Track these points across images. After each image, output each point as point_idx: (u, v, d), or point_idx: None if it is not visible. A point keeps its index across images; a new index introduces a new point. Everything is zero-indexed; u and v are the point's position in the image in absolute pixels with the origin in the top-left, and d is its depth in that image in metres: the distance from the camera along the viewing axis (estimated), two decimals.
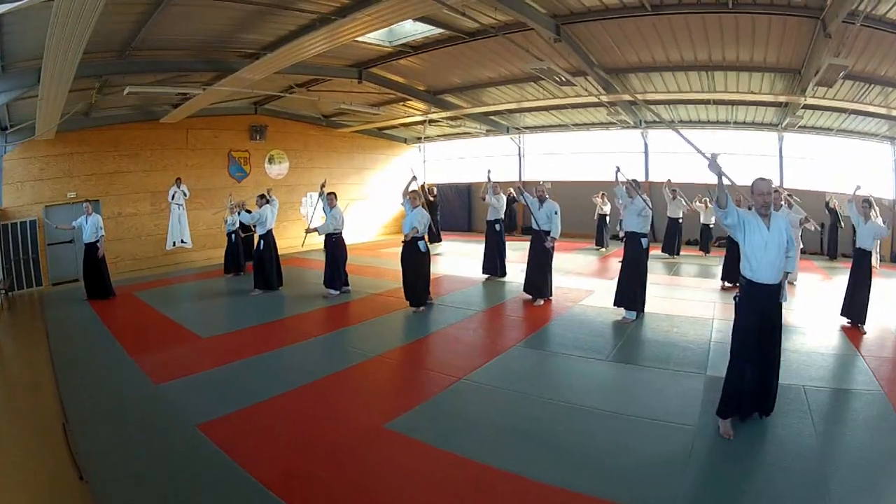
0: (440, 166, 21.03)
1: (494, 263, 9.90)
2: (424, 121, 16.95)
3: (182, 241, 13.17)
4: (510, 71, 12.50)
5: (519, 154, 19.19)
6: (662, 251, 12.68)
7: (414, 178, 8.30)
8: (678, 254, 12.67)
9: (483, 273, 9.95)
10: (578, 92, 13.31)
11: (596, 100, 14.14)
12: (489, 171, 9.91)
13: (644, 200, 6.92)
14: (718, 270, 9.77)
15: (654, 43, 9.59)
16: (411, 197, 7.80)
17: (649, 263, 7.21)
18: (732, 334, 3.95)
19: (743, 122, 14.84)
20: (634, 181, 7.20)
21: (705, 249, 13.09)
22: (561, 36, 9.08)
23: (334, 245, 8.89)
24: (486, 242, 10.09)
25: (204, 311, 8.36)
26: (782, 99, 11.49)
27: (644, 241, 6.94)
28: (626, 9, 8.31)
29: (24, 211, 10.85)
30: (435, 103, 14.63)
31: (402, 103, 14.84)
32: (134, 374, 5.36)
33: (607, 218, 14.59)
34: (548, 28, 8.65)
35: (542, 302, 7.91)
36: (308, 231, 8.99)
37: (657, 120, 16.07)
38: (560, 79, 10.36)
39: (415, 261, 7.57)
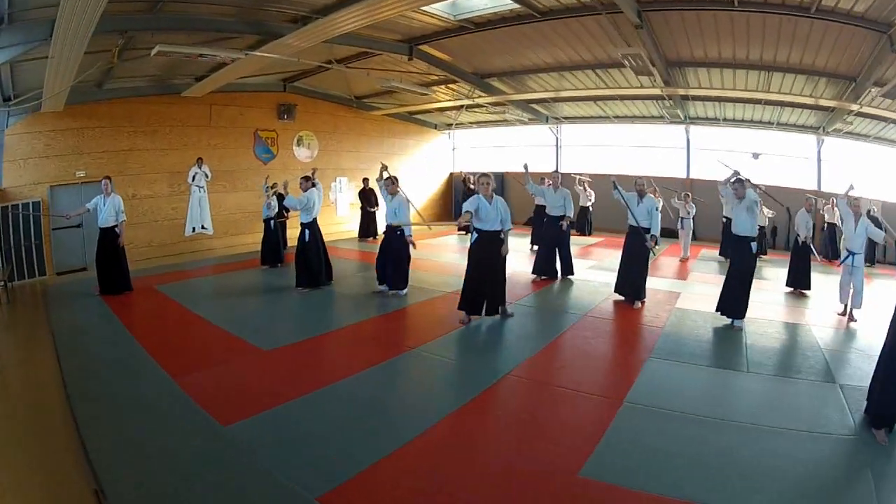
0: (470, 155, 19.62)
1: (552, 264, 8.78)
2: (461, 106, 15.62)
3: (202, 227, 11.81)
4: (568, 56, 11.30)
5: (556, 144, 17.81)
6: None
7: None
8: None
9: (533, 273, 8.81)
10: (631, 83, 12.20)
11: (649, 92, 13.02)
12: (525, 164, 9.36)
13: (754, 199, 6.14)
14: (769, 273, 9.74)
15: (724, 38, 9.09)
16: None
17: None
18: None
19: (785, 124, 14.10)
20: (738, 175, 6.47)
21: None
22: (642, 22, 8.18)
23: (399, 240, 7.52)
24: (542, 239, 9.14)
25: (250, 312, 6.93)
26: (833, 104, 11.04)
27: (754, 245, 6.32)
28: (715, 0, 7.80)
29: (26, 191, 9.44)
30: (480, 87, 13.22)
31: (446, 85, 13.39)
32: (185, 408, 3.98)
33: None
34: (632, 12, 7.78)
35: (639, 304, 7.17)
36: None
37: (703, 117, 15.01)
38: (643, 67, 9.23)
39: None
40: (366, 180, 12.93)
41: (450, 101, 14.78)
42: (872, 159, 13.81)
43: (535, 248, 12.12)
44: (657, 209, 7.22)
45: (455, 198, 19.31)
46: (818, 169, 14.55)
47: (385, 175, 7.78)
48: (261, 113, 13.11)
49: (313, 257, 7.86)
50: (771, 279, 9.27)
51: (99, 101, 10.37)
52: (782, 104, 12.54)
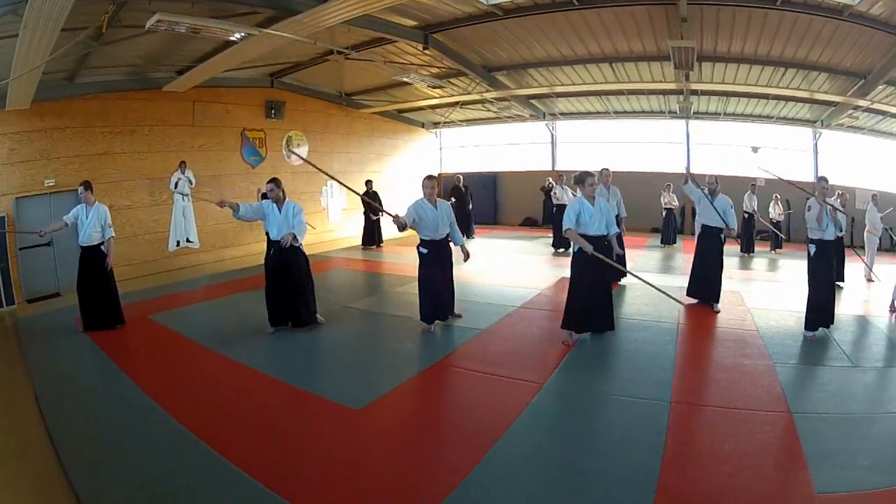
0: (457, 154, 18.77)
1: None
2: (455, 103, 14.77)
3: (188, 241, 10.51)
4: (589, 49, 10.72)
5: (552, 142, 17.20)
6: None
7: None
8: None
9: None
10: (643, 77, 11.97)
11: (663, 87, 12.68)
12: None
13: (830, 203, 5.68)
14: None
15: (751, 35, 8.90)
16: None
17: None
18: None
19: (784, 118, 14.11)
20: (824, 180, 5.79)
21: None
22: (686, 17, 7.77)
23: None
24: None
25: (293, 351, 5.45)
26: (839, 99, 11.03)
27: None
28: None
29: None
30: (487, 81, 12.38)
31: (447, 79, 12.48)
32: None
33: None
34: (684, 4, 7.43)
35: (718, 307, 6.62)
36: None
37: (706, 111, 14.79)
38: (686, 60, 8.73)
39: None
40: (369, 183, 11.86)
41: (445, 97, 13.87)
42: (868, 150, 14.05)
43: (561, 250, 11.52)
44: (731, 206, 6.65)
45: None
46: (815, 161, 14.67)
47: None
48: (248, 111, 11.84)
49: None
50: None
51: (70, 98, 8.94)
52: (787, 99, 12.39)
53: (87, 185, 6.20)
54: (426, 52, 10.23)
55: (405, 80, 10.93)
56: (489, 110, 15.75)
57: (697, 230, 7.01)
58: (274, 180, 5.97)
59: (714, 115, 14.91)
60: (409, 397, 4.38)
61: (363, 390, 4.31)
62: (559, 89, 13.29)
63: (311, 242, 10.14)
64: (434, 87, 11.52)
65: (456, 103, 15.08)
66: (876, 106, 11.07)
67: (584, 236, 5.04)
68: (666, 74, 11.79)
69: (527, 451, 3.39)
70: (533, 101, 15.09)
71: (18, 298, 8.00)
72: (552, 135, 17.07)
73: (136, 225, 9.79)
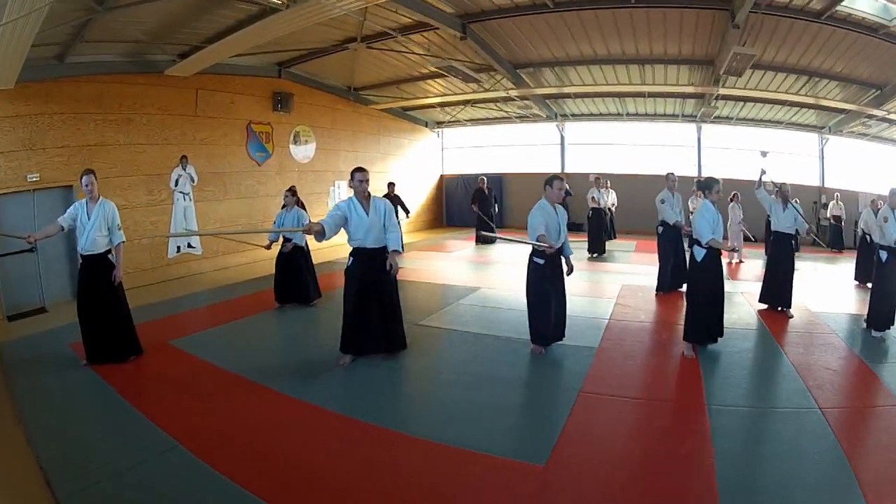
0: (460, 155, 17.88)
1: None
2: (467, 101, 13.93)
3: (189, 246, 9.32)
4: (623, 49, 10.24)
5: (561, 143, 16.49)
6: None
7: None
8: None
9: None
10: (669, 80, 11.61)
11: (690, 90, 12.22)
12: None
13: None
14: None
15: (788, 44, 8.83)
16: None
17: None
18: None
19: (792, 123, 14.04)
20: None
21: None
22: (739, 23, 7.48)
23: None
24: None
25: (392, 389, 4.51)
26: (853, 107, 11.05)
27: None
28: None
29: None
30: (512, 77, 11.55)
31: (481, 73, 11.60)
32: None
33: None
34: (744, 12, 7.18)
35: (791, 312, 6.43)
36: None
37: (720, 116, 14.40)
38: (741, 67, 8.43)
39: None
40: (391, 185, 10.87)
41: (457, 94, 13.02)
42: (873, 156, 14.12)
43: (595, 255, 10.76)
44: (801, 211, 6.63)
45: (446, 202, 17.52)
46: (821, 166, 14.62)
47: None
48: (254, 102, 10.68)
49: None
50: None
51: (59, 80, 7.66)
52: (799, 105, 12.38)
53: (92, 173, 4.91)
54: (463, 40, 9.32)
55: (441, 71, 9.96)
56: (500, 110, 14.97)
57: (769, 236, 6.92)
58: (361, 170, 4.85)
59: (727, 120, 14.68)
60: (587, 441, 3.51)
61: (528, 438, 3.55)
62: (580, 89, 12.69)
63: (321, 247, 9.09)
64: (468, 82, 10.56)
65: (467, 101, 14.25)
66: (893, 116, 11.08)
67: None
68: (692, 78, 11.43)
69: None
70: (548, 102, 14.39)
71: None
72: (562, 136, 16.36)
73: (133, 228, 8.51)
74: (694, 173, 15.20)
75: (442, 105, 14.65)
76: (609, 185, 12.00)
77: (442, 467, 3.14)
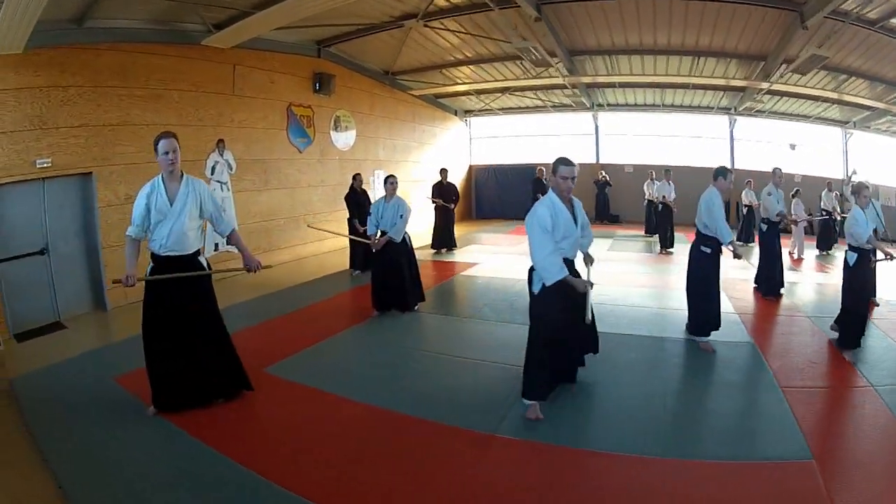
0: (487, 144, 16.06)
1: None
2: (506, 88, 12.10)
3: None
4: (682, 41, 8.91)
5: (595, 133, 14.73)
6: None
7: None
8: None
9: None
10: (716, 73, 10.26)
11: (736, 83, 10.76)
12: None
13: None
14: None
15: (837, 44, 7.78)
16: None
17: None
18: None
19: (818, 118, 12.77)
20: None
21: None
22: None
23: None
24: None
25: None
26: (882, 105, 10.09)
27: None
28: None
29: None
30: (566, 64, 9.76)
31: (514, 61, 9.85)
32: None
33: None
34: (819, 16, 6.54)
35: (877, 300, 5.64)
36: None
37: (752, 109, 12.78)
38: (808, 66, 7.89)
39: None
40: (444, 171, 9.07)
41: (499, 81, 11.28)
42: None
43: (670, 250, 9.41)
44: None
45: (476, 194, 15.73)
46: (845, 160, 13.28)
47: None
48: (294, 82, 8.76)
49: None
50: None
51: (76, 46, 5.75)
52: (832, 101, 11.15)
53: (173, 137, 3.11)
54: (538, 21, 7.52)
55: (518, 52, 8.21)
56: (538, 98, 13.16)
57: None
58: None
59: (759, 113, 13.19)
60: (835, 434, 2.96)
61: (778, 439, 2.83)
62: (628, 79, 11.10)
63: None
64: (540, 66, 8.76)
65: (506, 89, 12.42)
66: None
67: None
68: (738, 72, 10.10)
69: None
70: (588, 91, 12.63)
71: (3, 334, 4.89)
72: (596, 126, 14.58)
73: None
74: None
75: (479, 92, 12.79)
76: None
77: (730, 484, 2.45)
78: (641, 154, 14.19)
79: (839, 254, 9.31)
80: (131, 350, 3.59)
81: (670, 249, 9.39)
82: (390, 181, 5.42)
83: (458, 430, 3.02)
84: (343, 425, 3.15)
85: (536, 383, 3.16)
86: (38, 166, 5.48)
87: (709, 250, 4.31)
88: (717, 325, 4.38)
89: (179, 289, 3.11)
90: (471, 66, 10.82)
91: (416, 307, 5.53)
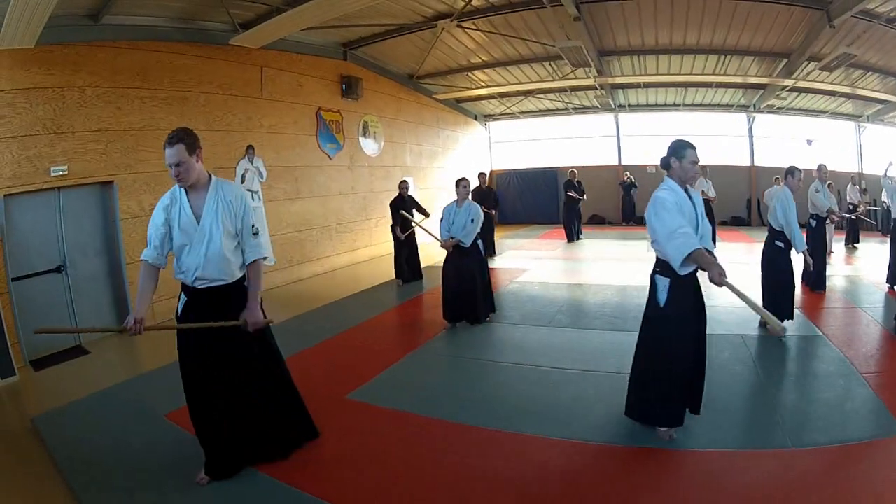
0: (506, 149, 15.22)
1: None
2: (528, 91, 11.30)
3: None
4: (710, 40, 8.20)
5: (617, 134, 13.89)
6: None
7: None
8: None
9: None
10: (740, 72, 9.64)
11: (757, 81, 10.15)
12: None
13: None
14: None
15: (857, 42, 7.45)
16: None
17: None
18: None
19: (833, 112, 12.04)
20: None
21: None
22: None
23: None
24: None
25: None
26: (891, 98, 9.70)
27: None
28: None
29: None
30: (596, 65, 8.96)
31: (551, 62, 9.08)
32: None
33: None
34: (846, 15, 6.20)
35: None
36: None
37: (770, 105, 11.95)
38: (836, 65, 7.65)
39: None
40: (483, 176, 8.24)
41: (524, 83, 10.51)
42: None
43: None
44: None
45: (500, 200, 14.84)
46: (859, 153, 12.62)
47: None
48: (322, 86, 7.96)
49: None
50: None
51: (93, 44, 4.97)
52: (847, 96, 10.54)
53: (179, 141, 2.23)
54: (577, 21, 6.74)
55: (561, 53, 7.47)
56: (560, 100, 12.36)
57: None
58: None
59: (777, 110, 12.38)
60: None
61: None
62: (654, 79, 10.37)
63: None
64: (578, 67, 7.99)
65: (529, 92, 11.62)
66: None
67: None
68: (760, 69, 9.45)
69: None
70: (612, 92, 11.82)
71: (18, 362, 4.04)
72: (617, 127, 13.75)
73: None
74: (746, 163, 13.05)
75: (502, 95, 11.99)
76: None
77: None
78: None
79: (863, 246, 8.76)
80: (173, 379, 2.75)
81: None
82: (462, 184, 4.65)
83: (602, 447, 2.57)
84: (459, 453, 2.53)
85: (676, 411, 2.57)
86: (52, 174, 4.68)
87: (782, 245, 4.26)
88: (789, 314, 4.20)
89: (215, 337, 2.25)
90: (497, 69, 10.05)
91: (487, 318, 4.74)
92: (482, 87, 10.95)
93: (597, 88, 10.43)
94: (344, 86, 8.34)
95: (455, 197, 4.70)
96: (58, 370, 4.14)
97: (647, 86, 11.26)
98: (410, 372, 3.68)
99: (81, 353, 4.53)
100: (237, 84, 6.43)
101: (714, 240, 8.53)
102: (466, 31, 7.76)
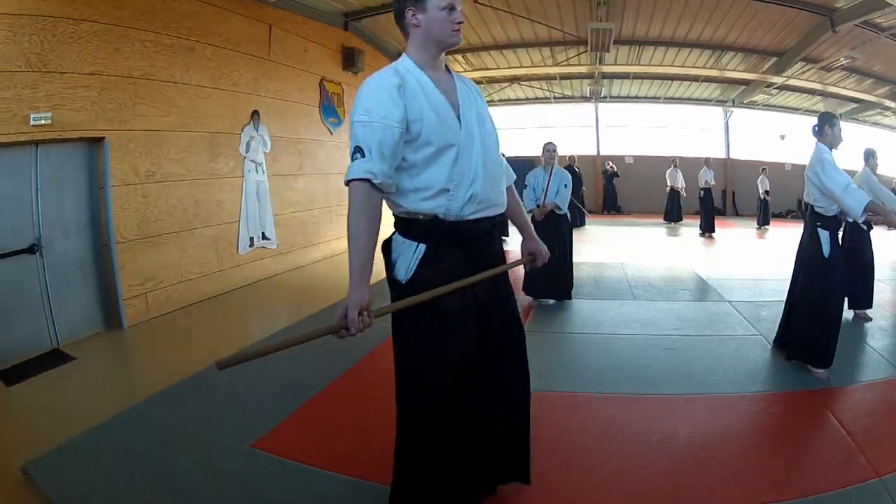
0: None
1: None
2: (513, 77, 11.16)
3: (264, 238, 5.83)
4: (711, 34, 8.49)
5: (596, 125, 14.05)
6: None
7: None
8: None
9: None
10: (736, 67, 10.00)
11: (747, 76, 10.64)
12: None
13: None
14: None
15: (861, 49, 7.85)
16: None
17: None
18: None
19: (810, 110, 12.41)
20: None
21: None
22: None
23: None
24: None
25: None
26: (867, 97, 10.41)
27: None
28: None
29: None
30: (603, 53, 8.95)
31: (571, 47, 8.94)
32: None
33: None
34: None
35: None
36: None
37: (750, 101, 12.67)
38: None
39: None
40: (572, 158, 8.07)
41: (514, 68, 10.36)
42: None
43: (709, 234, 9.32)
44: None
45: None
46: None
47: None
48: (325, 55, 7.18)
49: None
50: None
51: None
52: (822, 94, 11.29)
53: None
54: (601, 6, 6.61)
55: (598, 30, 7.29)
56: (542, 89, 12.34)
57: None
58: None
59: (754, 105, 13.04)
60: None
61: None
62: (647, 69, 10.60)
63: None
64: (598, 50, 7.83)
65: (516, 78, 11.46)
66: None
67: None
68: (752, 66, 9.91)
69: None
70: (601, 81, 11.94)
71: None
72: (597, 117, 13.91)
73: (193, 209, 4.96)
74: (722, 155, 13.61)
75: (489, 81, 11.70)
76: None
77: None
78: (640, 145, 13.79)
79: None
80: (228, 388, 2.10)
81: (712, 234, 9.27)
82: (548, 147, 4.22)
83: (762, 395, 2.71)
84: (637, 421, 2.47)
85: (832, 352, 2.83)
86: (32, 123, 3.67)
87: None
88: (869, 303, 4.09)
89: (490, 298, 1.53)
90: (491, 52, 9.79)
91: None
92: (471, 69, 10.60)
93: (593, 76, 10.44)
94: (348, 60, 7.60)
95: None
96: (38, 383, 3.07)
97: (636, 76, 11.41)
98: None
99: (64, 358, 3.53)
100: (245, 40, 5.54)
101: (713, 227, 9.11)
102: (480, 5, 7.36)
